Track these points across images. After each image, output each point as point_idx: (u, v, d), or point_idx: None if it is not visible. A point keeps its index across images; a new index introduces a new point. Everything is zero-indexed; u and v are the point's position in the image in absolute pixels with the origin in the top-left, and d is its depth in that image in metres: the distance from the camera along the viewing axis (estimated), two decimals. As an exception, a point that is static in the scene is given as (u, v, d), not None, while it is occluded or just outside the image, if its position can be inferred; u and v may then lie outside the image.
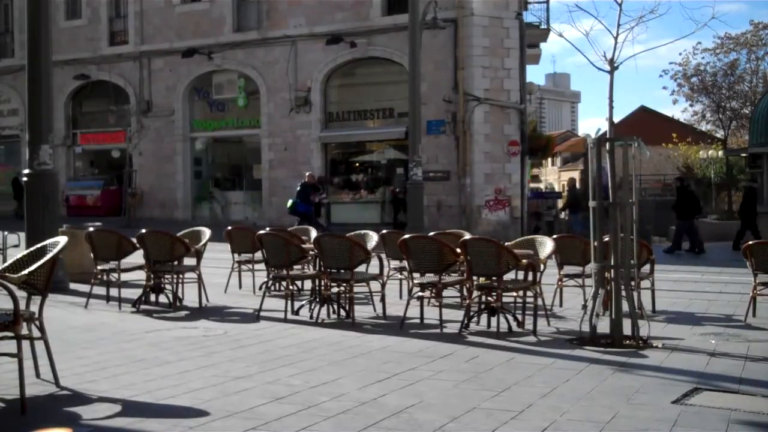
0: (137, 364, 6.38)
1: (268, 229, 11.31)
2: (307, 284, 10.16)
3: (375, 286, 9.22)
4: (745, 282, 10.40)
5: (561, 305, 9.93)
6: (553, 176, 73.01)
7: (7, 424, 4.78)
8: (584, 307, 9.00)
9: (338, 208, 26.95)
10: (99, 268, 9.75)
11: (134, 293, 9.78)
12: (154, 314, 9.12)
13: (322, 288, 8.95)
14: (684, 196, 20.90)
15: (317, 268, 9.21)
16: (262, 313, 8.92)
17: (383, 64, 25.92)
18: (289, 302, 8.99)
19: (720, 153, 41.20)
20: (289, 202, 21.87)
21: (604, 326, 7.58)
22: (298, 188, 21.59)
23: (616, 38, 7.90)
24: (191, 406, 5.11)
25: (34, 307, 5.47)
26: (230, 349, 7.13)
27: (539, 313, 8.24)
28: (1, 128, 33.54)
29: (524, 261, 8.22)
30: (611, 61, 7.92)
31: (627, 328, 7.41)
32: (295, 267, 9.41)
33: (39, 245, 5.67)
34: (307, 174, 22.41)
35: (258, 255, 10.43)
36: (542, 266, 8.74)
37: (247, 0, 27.85)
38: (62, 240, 5.58)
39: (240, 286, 11.38)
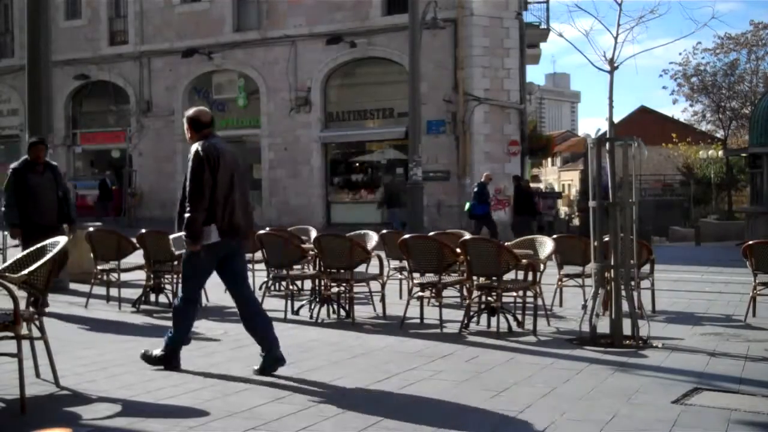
0: (137, 364, 6.36)
1: (267, 229, 11.30)
2: (307, 284, 10.16)
3: (375, 286, 9.22)
4: (745, 282, 10.40)
5: (561, 305, 9.93)
6: (553, 176, 73.06)
7: (7, 424, 4.78)
8: (584, 307, 8.99)
9: (338, 208, 26.96)
10: (99, 268, 9.76)
11: (134, 293, 9.78)
12: (154, 314, 9.12)
13: (322, 288, 8.95)
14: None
15: (317, 268, 9.21)
16: (262, 313, 8.91)
17: (383, 64, 25.91)
18: (289, 302, 8.99)
19: (720, 153, 41.22)
20: (467, 206, 21.14)
21: (604, 326, 7.58)
22: (475, 189, 20.80)
23: (616, 38, 7.90)
24: (191, 406, 5.11)
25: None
26: (230, 349, 7.13)
27: (539, 313, 8.24)
28: (1, 128, 33.54)
29: (524, 261, 8.22)
30: (611, 61, 7.92)
31: (627, 328, 7.41)
32: (295, 267, 9.41)
33: (39, 245, 5.67)
34: (484, 174, 21.81)
35: (258, 255, 10.43)
36: (542, 266, 8.74)
37: (247, 0, 27.85)
38: (62, 240, 5.58)
39: (240, 286, 11.35)
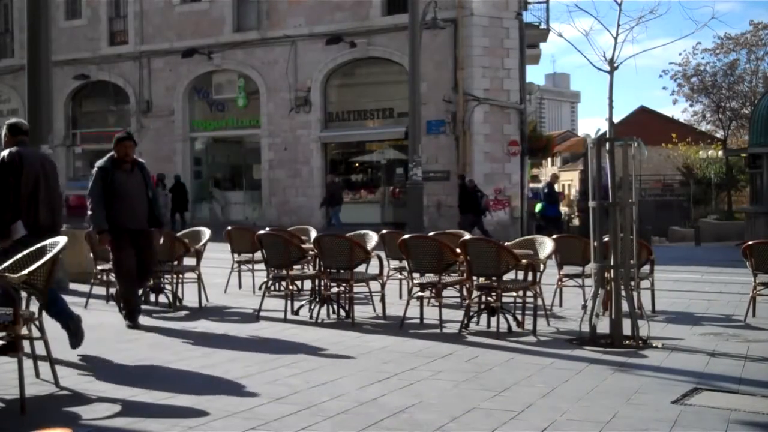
0: (137, 364, 6.38)
1: (267, 229, 11.30)
2: (307, 284, 10.16)
3: (375, 286, 9.22)
4: (745, 282, 10.40)
5: (561, 305, 9.93)
6: (553, 176, 72.96)
7: (7, 424, 4.78)
8: (584, 307, 9.00)
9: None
10: (99, 268, 9.73)
11: (134, 293, 9.76)
12: (154, 314, 9.12)
13: (322, 288, 8.95)
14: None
15: (317, 268, 9.21)
16: (262, 313, 8.92)
17: (383, 64, 25.91)
18: (289, 302, 8.99)
19: (720, 153, 41.21)
20: (537, 207, 20.77)
21: (603, 326, 7.58)
22: (545, 190, 20.48)
23: (615, 38, 7.91)
24: (191, 406, 5.11)
25: (34, 307, 5.47)
26: (230, 349, 7.13)
27: (539, 313, 8.24)
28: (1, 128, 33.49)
29: (524, 261, 8.22)
30: (611, 61, 7.92)
31: (627, 328, 7.41)
32: (295, 267, 9.41)
33: (39, 245, 5.67)
34: (550, 174, 21.45)
35: (258, 255, 10.43)
36: (542, 266, 8.74)
37: (247, 0, 27.84)
38: (62, 240, 5.58)
39: (240, 286, 11.38)
